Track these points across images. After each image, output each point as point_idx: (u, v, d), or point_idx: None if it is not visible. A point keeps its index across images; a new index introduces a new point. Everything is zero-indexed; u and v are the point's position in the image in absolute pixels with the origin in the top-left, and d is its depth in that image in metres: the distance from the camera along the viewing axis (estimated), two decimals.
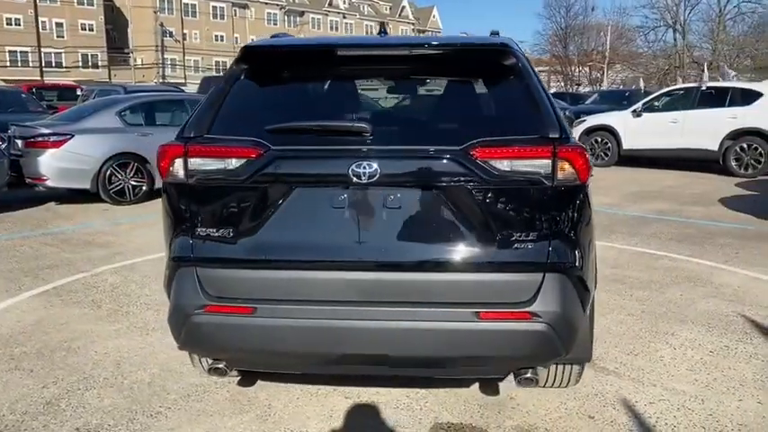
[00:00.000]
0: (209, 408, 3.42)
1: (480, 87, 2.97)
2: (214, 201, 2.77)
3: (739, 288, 5.58)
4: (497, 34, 3.38)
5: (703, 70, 16.27)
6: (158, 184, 9.85)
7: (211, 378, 3.69)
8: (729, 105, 13.23)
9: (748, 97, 13.12)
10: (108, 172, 9.52)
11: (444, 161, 2.63)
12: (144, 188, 9.83)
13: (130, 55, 64.40)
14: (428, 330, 2.64)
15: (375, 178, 2.60)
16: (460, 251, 2.65)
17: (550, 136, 2.65)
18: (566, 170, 2.63)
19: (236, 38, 72.31)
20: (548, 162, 2.61)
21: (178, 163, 2.77)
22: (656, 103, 14.46)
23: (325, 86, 3.11)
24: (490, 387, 3.58)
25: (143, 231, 7.88)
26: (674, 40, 52.21)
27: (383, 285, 2.67)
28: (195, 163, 2.75)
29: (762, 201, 9.93)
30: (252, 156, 2.68)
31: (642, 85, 27.97)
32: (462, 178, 2.61)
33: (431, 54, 2.92)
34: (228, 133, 2.79)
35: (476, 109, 2.95)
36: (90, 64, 62.58)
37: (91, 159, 9.42)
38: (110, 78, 58.79)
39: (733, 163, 13.09)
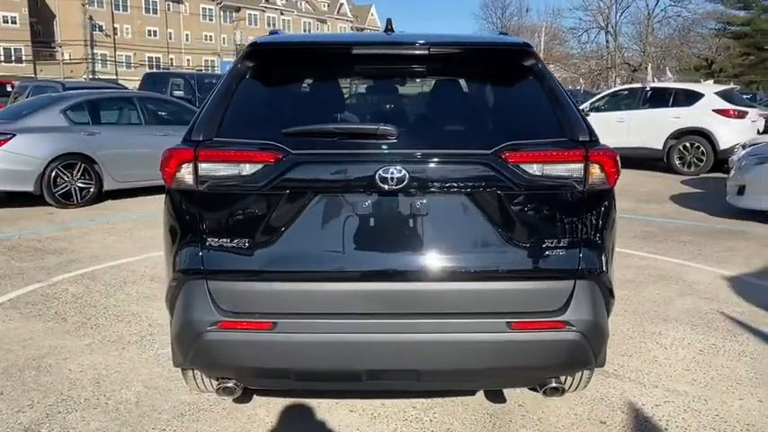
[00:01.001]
0: (207, 428, 3.21)
1: (503, 89, 2.88)
2: (227, 209, 2.58)
3: (711, 285, 5.72)
4: (506, 35, 3.29)
5: (647, 72, 16.76)
6: (107, 185, 9.49)
7: (202, 395, 3.48)
8: (673, 106, 13.69)
9: (690, 98, 13.61)
10: (53, 173, 8.99)
11: (475, 165, 2.53)
12: (92, 190, 9.34)
13: (57, 50, 61.74)
14: (460, 342, 2.53)
15: (403, 184, 2.47)
16: (491, 259, 2.56)
17: (580, 139, 2.59)
18: (596, 174, 2.57)
19: (170, 33, 70.42)
20: (579, 166, 2.55)
21: (186, 168, 2.56)
22: (603, 104, 14.82)
23: (341, 86, 2.95)
24: (496, 395, 3.50)
25: (97, 237, 7.47)
26: (606, 41, 53.96)
27: (412, 296, 2.55)
28: (206, 168, 2.54)
29: (709, 198, 10.28)
30: (270, 161, 2.51)
31: (582, 84, 28.72)
32: (493, 183, 2.52)
33: (452, 53, 2.81)
34: (238, 136, 2.60)
35: (501, 111, 2.86)
36: (13, 58, 59.61)
37: (34, 160, 8.87)
38: (35, 74, 56.09)
39: (676, 161, 13.54)
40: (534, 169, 2.53)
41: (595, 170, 2.56)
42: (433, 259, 2.54)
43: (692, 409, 3.43)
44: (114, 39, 65.84)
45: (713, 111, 13.17)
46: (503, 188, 2.52)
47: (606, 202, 2.64)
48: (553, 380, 2.77)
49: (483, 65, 2.85)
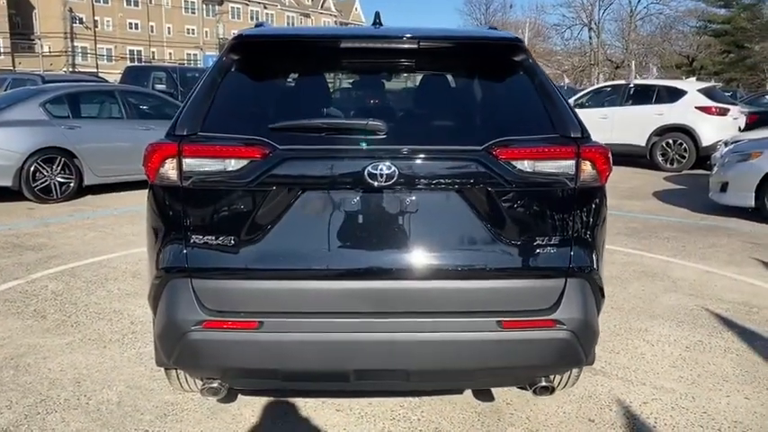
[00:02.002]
0: (191, 428, 3.15)
1: (493, 84, 2.84)
2: (212, 205, 2.52)
3: (695, 282, 5.74)
4: (496, 29, 3.25)
5: (631, 69, 16.83)
6: (87, 180, 9.34)
7: (186, 395, 3.41)
8: (656, 102, 13.77)
9: (673, 95, 13.69)
10: (32, 168, 8.83)
11: (465, 161, 2.49)
12: (72, 185, 9.19)
13: (37, 42, 60.83)
14: (450, 342, 2.50)
15: (392, 180, 2.43)
16: (481, 257, 2.53)
17: (572, 135, 2.56)
18: (588, 171, 2.55)
19: (152, 26, 69.67)
20: (570, 163, 2.52)
21: (170, 164, 2.50)
22: (586, 100, 14.86)
23: (328, 81, 2.90)
24: (484, 393, 3.47)
25: (77, 233, 7.35)
26: (590, 38, 54.26)
27: (401, 295, 2.51)
28: (190, 164, 2.48)
29: (691, 195, 10.35)
30: (256, 156, 2.45)
31: (566, 81, 28.85)
32: (483, 179, 2.48)
33: (442, 47, 2.77)
34: (224, 131, 2.54)
35: (491, 107, 2.82)
36: None
37: (13, 154, 8.70)
38: (14, 66, 55.23)
39: (659, 158, 13.63)
40: (525, 166, 2.50)
41: (587, 167, 2.54)
42: (423, 257, 2.50)
43: (680, 406, 3.43)
44: (95, 31, 65.00)
45: (696, 108, 13.26)
46: (493, 185, 2.48)
47: (597, 200, 2.62)
48: (543, 379, 2.74)
49: (473, 59, 2.81)
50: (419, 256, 2.50)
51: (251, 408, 3.31)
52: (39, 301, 5.03)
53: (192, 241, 2.51)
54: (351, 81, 2.96)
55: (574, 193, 2.55)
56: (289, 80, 2.91)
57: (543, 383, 2.73)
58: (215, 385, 2.69)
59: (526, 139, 2.55)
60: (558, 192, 2.55)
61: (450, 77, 3.02)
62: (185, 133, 2.52)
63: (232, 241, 2.49)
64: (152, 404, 3.38)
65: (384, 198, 2.48)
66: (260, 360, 2.52)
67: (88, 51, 64.88)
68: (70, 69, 53.57)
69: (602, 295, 2.72)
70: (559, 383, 3.15)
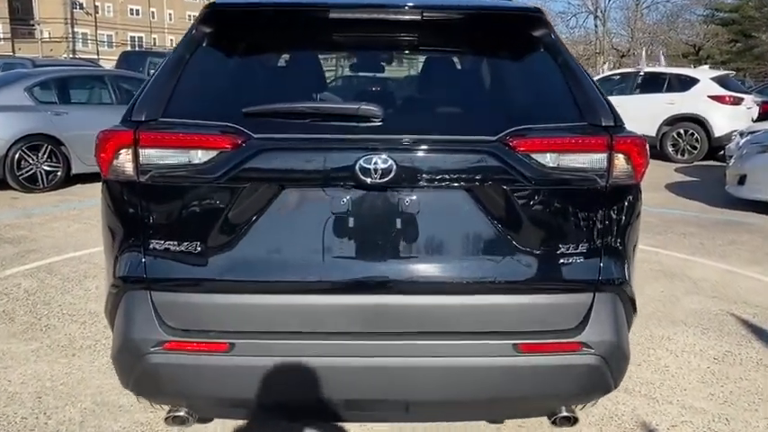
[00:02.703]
0: None
1: (509, 63, 2.44)
2: (175, 205, 2.13)
3: (717, 283, 5.35)
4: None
5: (641, 57, 16.36)
6: (75, 168, 8.94)
7: (159, 413, 3.02)
8: (667, 91, 13.31)
9: (685, 84, 13.22)
10: (16, 155, 8.43)
11: (476, 154, 2.09)
12: (59, 174, 8.80)
13: (36, 27, 60.24)
14: (456, 368, 2.12)
15: (389, 176, 2.03)
16: (495, 268, 2.13)
17: (603, 124, 2.15)
18: (622, 166, 2.15)
19: (153, 12, 69.10)
20: (602, 156, 2.12)
21: (125, 155, 2.10)
22: None
23: (316, 58, 2.49)
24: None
25: (61, 224, 6.96)
26: (595, 26, 53.55)
27: (399, 313, 2.13)
28: (149, 155, 2.09)
29: (705, 187, 9.94)
30: (226, 147, 2.05)
31: None
32: (497, 176, 2.09)
33: (449, 19, 2.35)
34: (190, 117, 2.15)
35: (507, 90, 2.42)
36: None
37: None
38: (13, 52, 54.71)
39: (670, 149, 13.18)
40: (547, 160, 2.10)
41: (620, 161, 2.14)
42: (424, 268, 2.12)
43: (713, 430, 3.04)
44: (95, 17, 64.44)
45: (708, 97, 12.80)
46: (509, 182, 2.09)
47: (631, 200, 2.22)
48: (564, 408, 2.34)
49: (486, 34, 2.40)
50: (420, 267, 2.12)
51: (228, 430, 2.93)
52: (9, 300, 4.64)
53: (151, 247, 2.12)
54: (342, 59, 2.56)
55: (604, 193, 2.15)
56: (269, 57, 2.51)
57: (564, 414, 2.34)
58: (181, 414, 2.30)
59: (548, 128, 2.16)
60: (586, 191, 2.15)
61: (458, 55, 2.60)
62: (143, 119, 2.13)
63: (198, 247, 2.10)
64: (119, 425, 3.00)
65: (379, 198, 2.10)
66: (230, 388, 2.13)
67: (89, 37, 64.31)
68: (71, 55, 53.04)
69: (635, 310, 2.33)
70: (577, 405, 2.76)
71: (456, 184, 2.09)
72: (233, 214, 2.09)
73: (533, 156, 2.08)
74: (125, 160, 2.10)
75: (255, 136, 2.06)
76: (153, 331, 2.11)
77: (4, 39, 58.26)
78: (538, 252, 2.14)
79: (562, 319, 2.16)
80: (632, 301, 2.29)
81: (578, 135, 2.13)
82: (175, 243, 2.11)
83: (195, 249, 2.10)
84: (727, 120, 12.44)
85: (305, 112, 2.11)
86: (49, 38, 59.88)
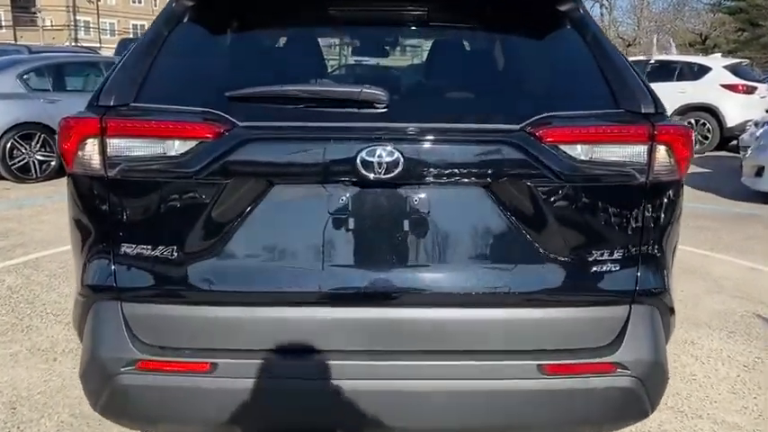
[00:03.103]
0: None
1: (533, 42, 2.15)
2: (148, 204, 1.86)
3: (740, 281, 5.06)
4: None
5: (652, 44, 16.00)
6: None
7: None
8: (678, 80, 12.96)
9: (697, 72, 12.89)
10: (8, 145, 8.17)
11: (496, 146, 1.81)
12: (53, 164, 8.54)
13: (38, 15, 59.80)
14: (473, 393, 1.85)
15: (395, 171, 1.76)
16: (517, 277, 1.87)
17: (643, 111, 1.87)
18: (664, 160, 1.87)
19: (155, 0, 68.49)
20: (642, 148, 1.84)
21: (91, 145, 1.83)
22: None
23: (314, 37, 2.21)
24: None
25: (51, 217, 6.69)
26: (601, 14, 52.97)
27: (407, 329, 1.87)
28: (118, 146, 1.82)
29: (719, 179, 9.63)
30: (207, 136, 1.78)
31: None
32: (521, 171, 1.81)
33: None
34: (166, 102, 1.88)
35: (532, 73, 2.14)
36: None
37: None
38: (15, 40, 54.38)
39: None
40: (578, 152, 1.82)
41: (662, 154, 1.86)
42: (436, 277, 1.85)
43: None
44: (98, 5, 63.93)
45: (721, 86, 12.45)
46: (534, 178, 1.81)
47: (673, 199, 1.94)
48: None
49: (506, 8, 2.10)
50: (430, 276, 1.85)
51: None
52: None
53: (122, 252, 1.85)
54: (342, 37, 2.26)
55: (643, 190, 1.88)
56: (259, 36, 2.22)
57: None
58: None
59: (579, 115, 1.88)
60: (622, 188, 1.88)
61: (474, 33, 2.30)
62: (112, 104, 1.86)
63: (176, 253, 1.83)
64: None
65: (383, 196, 1.83)
66: (212, 414, 1.87)
67: (91, 25, 63.90)
68: (72, 43, 52.68)
69: (674, 322, 2.06)
70: None
71: (472, 181, 1.82)
72: (216, 215, 1.82)
73: (562, 147, 1.81)
74: (91, 152, 1.83)
75: (241, 124, 1.79)
76: (124, 349, 1.86)
77: (5, 27, 57.87)
78: (566, 259, 1.86)
79: (594, 335, 1.90)
80: (672, 311, 2.02)
81: (614, 123, 1.86)
82: (150, 248, 1.84)
83: (172, 255, 1.83)
84: (740, 109, 12.11)
85: (298, 97, 1.83)
86: (51, 26, 59.46)
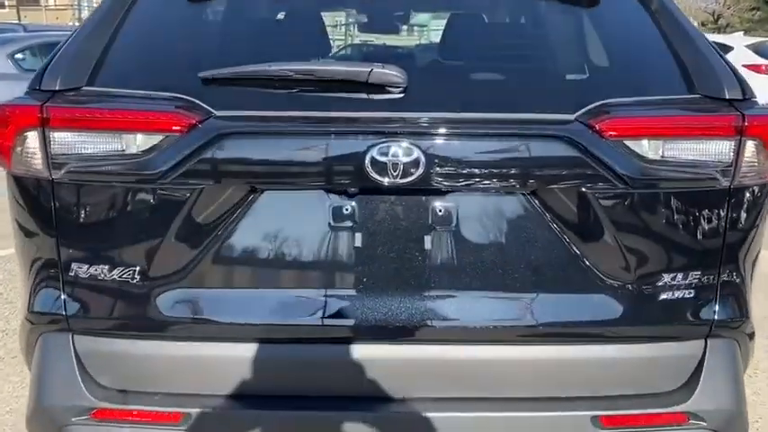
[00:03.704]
0: None
1: (583, 13, 1.79)
2: (104, 215, 1.51)
3: None
4: None
5: None
6: None
7: None
8: None
9: None
10: None
11: (544, 141, 1.47)
12: None
13: None
14: None
15: (415, 175, 1.41)
16: (568, 307, 1.53)
17: (727, 97, 1.50)
18: (753, 159, 1.52)
19: None
20: (727, 144, 1.50)
21: (31, 140, 1.49)
22: None
23: (309, 6, 1.83)
24: None
25: None
26: None
27: (430, 370, 1.54)
28: (64, 141, 1.47)
29: None
30: (175, 128, 1.43)
31: None
32: (575, 172, 1.46)
33: None
34: (126, 86, 1.53)
35: (585, 50, 1.80)
36: None
37: None
38: (19, 19, 54.01)
39: None
40: (646, 149, 1.47)
41: (752, 152, 1.51)
42: (466, 308, 1.52)
43: None
44: None
45: (743, 66, 11.93)
46: (592, 183, 1.46)
47: (760, 208, 1.58)
48: None
49: None
50: (458, 307, 1.52)
51: None
52: None
53: (72, 273, 1.52)
54: (350, 6, 1.89)
55: (726, 198, 1.52)
56: (242, 3, 1.85)
57: None
58: None
59: (647, 102, 1.53)
60: (700, 195, 1.52)
61: (512, 3, 1.92)
62: (58, 88, 1.50)
63: (139, 276, 1.49)
64: None
65: (399, 206, 1.50)
66: None
67: (95, 4, 63.44)
68: (76, 23, 52.29)
69: (752, 350, 1.71)
70: None
71: (513, 187, 1.48)
72: (188, 229, 1.48)
73: (628, 143, 1.44)
74: (31, 148, 1.48)
75: (218, 113, 1.44)
76: (76, 394, 1.53)
77: (9, 6, 57.50)
78: (628, 284, 1.52)
79: (661, 378, 1.57)
80: (751, 338, 1.67)
81: (693, 113, 1.51)
82: (107, 269, 1.51)
83: (134, 278, 1.49)
84: (764, 91, 11.62)
85: (290, 79, 1.46)
86: (55, 5, 59.00)
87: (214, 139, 1.41)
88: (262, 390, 1.53)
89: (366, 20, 2.43)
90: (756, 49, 12.31)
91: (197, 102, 1.44)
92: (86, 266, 1.50)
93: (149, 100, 1.47)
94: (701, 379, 1.54)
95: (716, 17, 51.85)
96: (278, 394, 1.53)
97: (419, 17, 2.47)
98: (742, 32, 18.31)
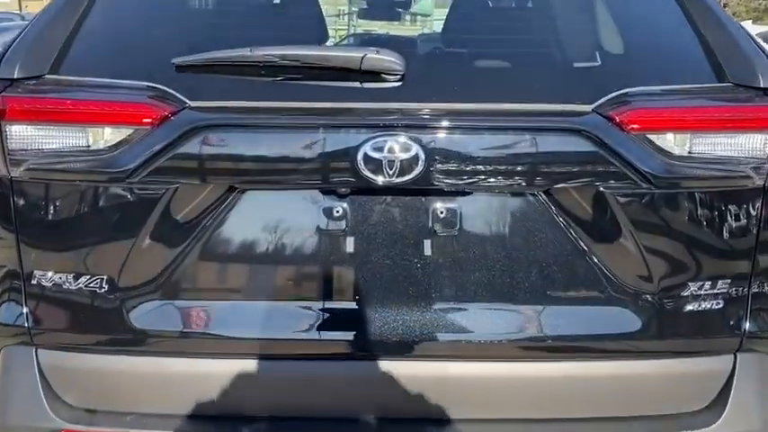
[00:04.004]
0: None
1: None
2: (69, 217, 1.37)
3: None
4: None
5: None
6: None
7: None
8: None
9: None
10: None
11: (559, 135, 1.33)
12: None
13: None
14: None
15: (414, 173, 1.26)
16: (582, 319, 1.38)
17: (762, 86, 1.36)
18: None
19: None
20: (764, 137, 1.35)
21: None
22: None
23: None
24: None
25: None
26: None
27: (432, 388, 1.37)
28: (23, 135, 1.32)
29: None
30: (145, 121, 1.28)
31: None
32: (594, 170, 1.30)
33: None
34: (92, 74, 1.39)
35: (603, 33, 1.61)
36: None
37: None
38: (20, 8, 53.74)
39: None
40: (672, 144, 1.31)
41: None
42: (471, 321, 1.36)
43: None
44: None
45: None
46: (612, 182, 1.30)
47: None
48: None
49: None
50: (463, 320, 1.36)
51: None
52: None
53: (35, 282, 1.38)
54: None
55: (759, 197, 1.36)
56: None
57: None
58: None
59: (673, 91, 1.38)
60: (732, 195, 1.36)
61: None
62: (16, 76, 1.35)
63: (107, 285, 1.35)
64: None
65: (396, 208, 1.34)
66: None
67: None
68: None
69: None
70: None
71: (524, 186, 1.33)
72: (162, 233, 1.33)
73: (651, 137, 1.29)
74: None
75: (193, 104, 1.30)
76: (39, 413, 1.39)
77: None
78: (651, 294, 1.37)
79: (685, 397, 1.42)
80: None
81: (724, 103, 1.35)
82: (72, 277, 1.36)
83: (103, 287, 1.35)
84: None
85: (273, 65, 1.30)
86: None
87: (188, 132, 1.26)
88: (244, 410, 1.38)
89: (366, 6, 2.28)
90: (765, 38, 12.10)
91: (170, 91, 1.29)
92: (50, 274, 1.35)
93: (117, 89, 1.32)
94: (730, 398, 1.39)
95: (723, 5, 51.30)
96: (262, 415, 1.39)
97: (422, 3, 2.32)
98: (750, 21, 18.04)
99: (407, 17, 2.22)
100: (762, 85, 1.35)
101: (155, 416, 1.39)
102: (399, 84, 1.30)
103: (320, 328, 1.34)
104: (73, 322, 1.37)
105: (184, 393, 1.38)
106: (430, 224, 1.32)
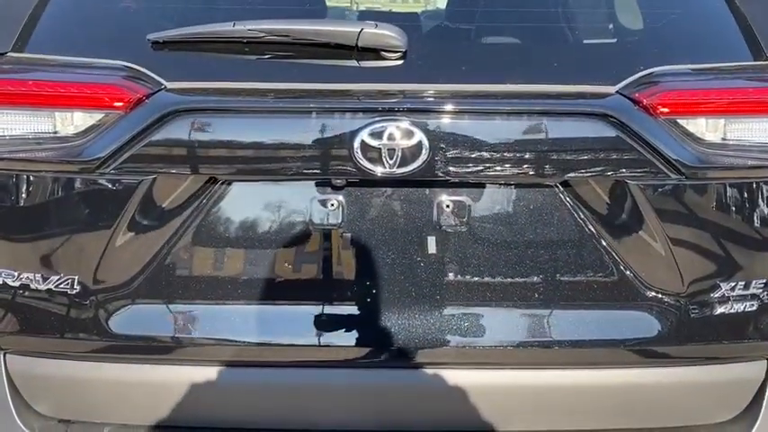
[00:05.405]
0: None
1: None
2: (36, 212, 1.26)
3: None
4: None
5: None
6: None
7: None
8: None
9: None
10: None
11: (579, 119, 1.20)
12: None
13: None
14: None
15: (417, 163, 1.15)
16: (602, 324, 1.27)
17: None
18: None
19: None
20: None
21: None
22: None
23: None
24: None
25: None
26: None
27: (436, 397, 1.29)
28: None
29: None
30: (116, 105, 1.16)
31: None
32: (617, 159, 1.19)
33: None
34: (63, 52, 1.28)
35: (627, 8, 1.50)
36: None
37: None
38: None
39: None
40: (705, 129, 1.20)
41: None
42: (480, 327, 1.25)
43: None
44: None
45: None
46: (638, 172, 1.19)
47: None
48: None
49: None
50: (471, 325, 1.25)
51: None
52: None
53: (0, 282, 1.26)
54: None
55: None
56: None
57: None
58: None
59: (705, 70, 1.26)
60: (764, 188, 1.24)
61: None
62: None
63: (78, 286, 1.24)
64: None
65: (397, 202, 1.23)
66: None
67: None
68: None
69: None
70: None
71: (540, 177, 1.21)
72: (138, 229, 1.23)
73: (681, 122, 1.17)
74: None
75: (170, 85, 1.18)
76: (7, 423, 1.30)
77: None
78: (677, 295, 1.26)
79: (714, 406, 1.33)
80: None
81: (762, 83, 1.23)
82: (40, 277, 1.25)
83: (74, 289, 1.25)
84: None
85: (260, 41, 1.18)
86: None
87: (165, 117, 1.14)
88: (230, 421, 1.29)
89: None
90: None
91: (144, 71, 1.17)
92: (17, 274, 1.24)
93: (86, 69, 1.21)
94: (763, 408, 1.30)
95: None
96: (248, 427, 1.29)
97: None
98: None
99: None
100: None
101: (132, 427, 1.29)
102: (401, 62, 1.18)
103: (311, 334, 1.24)
104: (43, 326, 1.27)
105: (166, 403, 1.28)
106: (435, 219, 1.20)
